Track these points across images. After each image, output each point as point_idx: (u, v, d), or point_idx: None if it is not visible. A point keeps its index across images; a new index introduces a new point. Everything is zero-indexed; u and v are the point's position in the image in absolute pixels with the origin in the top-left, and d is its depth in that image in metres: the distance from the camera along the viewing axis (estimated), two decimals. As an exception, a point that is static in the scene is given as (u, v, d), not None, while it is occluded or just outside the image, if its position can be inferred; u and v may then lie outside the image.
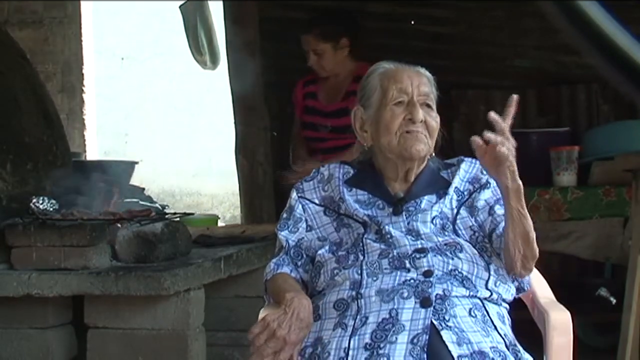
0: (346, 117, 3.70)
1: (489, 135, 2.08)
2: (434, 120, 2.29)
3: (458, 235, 2.26)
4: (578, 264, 5.10)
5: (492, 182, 2.29)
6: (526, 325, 2.36)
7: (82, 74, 6.51)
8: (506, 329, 2.17)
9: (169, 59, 9.31)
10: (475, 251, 2.22)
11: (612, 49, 0.80)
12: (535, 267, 2.49)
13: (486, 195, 2.29)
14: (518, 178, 2.12)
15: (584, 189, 4.57)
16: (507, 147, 2.09)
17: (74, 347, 3.74)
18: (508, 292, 2.25)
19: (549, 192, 4.53)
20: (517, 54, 5.56)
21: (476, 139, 2.09)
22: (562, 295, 2.43)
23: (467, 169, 2.35)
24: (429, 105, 2.30)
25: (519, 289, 2.32)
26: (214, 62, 6.05)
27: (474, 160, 2.34)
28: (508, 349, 2.08)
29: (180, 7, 5.98)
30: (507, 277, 2.25)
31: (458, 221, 2.27)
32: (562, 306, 2.30)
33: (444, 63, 5.47)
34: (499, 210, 2.25)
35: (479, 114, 5.60)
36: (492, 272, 2.21)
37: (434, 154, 2.35)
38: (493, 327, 2.12)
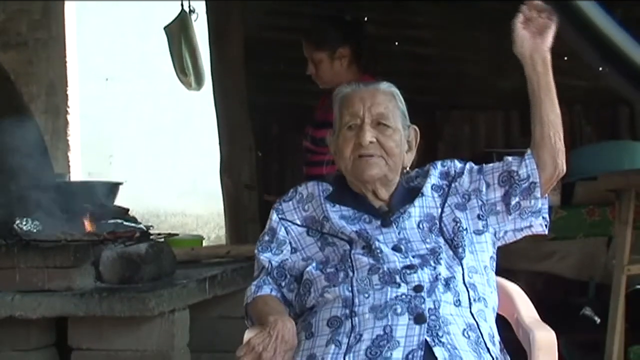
0: (323, 129, 3.69)
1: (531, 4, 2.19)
2: (391, 139, 2.30)
3: (443, 232, 2.28)
4: (562, 284, 5.11)
5: (458, 165, 2.37)
6: (511, 345, 2.37)
7: (66, 95, 6.49)
8: (497, 352, 2.18)
9: (153, 80, 9.30)
10: (451, 252, 2.24)
11: (609, 46, 0.81)
12: (519, 286, 2.50)
13: (465, 179, 2.34)
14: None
15: (568, 208, 4.59)
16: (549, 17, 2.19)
17: (58, 369, 3.72)
18: (482, 279, 2.26)
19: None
20: (501, 75, 5.59)
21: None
22: (547, 315, 2.43)
23: (435, 167, 2.39)
24: (385, 125, 2.31)
25: (542, 219, 2.32)
26: (199, 83, 6.05)
27: (435, 162, 2.40)
28: None
29: (164, 28, 5.99)
30: (478, 267, 2.26)
31: (444, 218, 2.30)
32: (547, 326, 2.30)
33: (428, 84, 5.51)
34: (486, 167, 2.34)
35: (463, 135, 5.63)
36: (464, 267, 2.23)
37: (407, 170, 2.38)
38: (486, 349, 2.13)
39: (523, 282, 2.67)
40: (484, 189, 2.31)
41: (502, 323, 2.40)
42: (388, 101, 2.33)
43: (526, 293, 2.47)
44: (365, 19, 5.68)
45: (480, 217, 2.30)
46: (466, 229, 2.29)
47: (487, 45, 5.58)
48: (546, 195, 2.32)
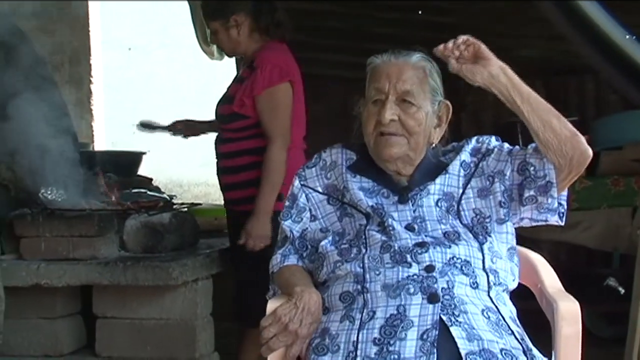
0: (226, 105, 3.61)
1: (448, 44, 2.18)
2: (412, 118, 2.26)
3: (460, 216, 2.25)
4: (586, 254, 5.09)
5: (492, 143, 2.32)
6: (534, 315, 2.36)
7: (90, 65, 6.50)
8: (522, 331, 2.15)
9: (176, 50, 9.31)
10: (471, 235, 2.22)
11: (608, 45, 0.80)
12: (543, 256, 2.49)
13: (492, 159, 2.29)
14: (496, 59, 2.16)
15: (592, 179, 4.56)
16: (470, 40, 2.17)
17: (83, 337, 3.75)
18: (506, 265, 2.24)
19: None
20: (524, 44, 5.54)
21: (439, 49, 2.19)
22: (570, 285, 2.42)
23: (469, 143, 2.35)
24: (409, 102, 2.26)
25: (560, 214, 2.27)
26: (221, 52, 6.03)
27: (471, 138, 2.36)
28: (525, 354, 2.05)
29: (187, -3, 5.97)
30: (501, 254, 2.24)
31: (463, 201, 2.26)
32: (570, 296, 2.29)
33: (452, 53, 5.46)
34: (515, 150, 2.28)
35: (486, 105, 5.59)
36: (485, 252, 2.20)
37: (435, 144, 2.34)
38: (509, 331, 2.10)
39: (546, 252, 2.66)
40: (508, 173, 2.26)
41: (525, 293, 2.39)
42: (416, 77, 2.27)
43: (550, 263, 2.45)
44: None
45: (502, 204, 2.25)
46: (489, 216, 2.25)
47: (510, 15, 5.53)
48: (564, 191, 2.27)
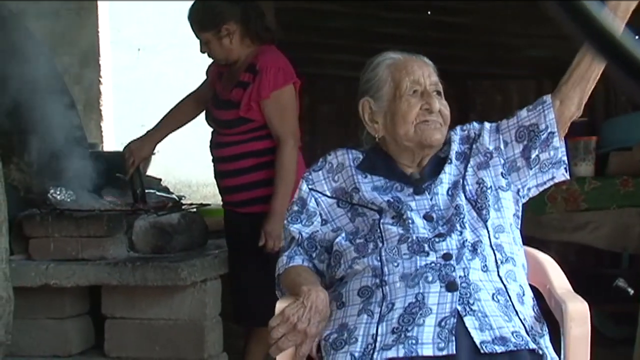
0: (229, 110, 3.59)
1: None
2: (446, 109, 2.32)
3: (465, 191, 2.28)
4: (595, 255, 5.08)
5: (476, 126, 2.38)
6: (543, 315, 2.36)
7: (99, 65, 6.52)
8: (525, 310, 2.17)
9: (185, 50, 9.30)
10: (475, 213, 2.24)
11: (613, 45, 0.79)
12: (552, 257, 2.49)
13: (486, 138, 2.34)
14: None
15: (602, 179, 4.55)
16: None
17: (92, 337, 3.76)
18: (509, 237, 2.26)
19: (566, 183, 4.51)
20: (533, 43, 5.53)
21: None
22: (579, 286, 2.42)
23: (455, 133, 2.39)
24: (439, 93, 2.33)
25: (563, 168, 2.31)
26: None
27: (454, 128, 2.39)
28: (528, 334, 2.09)
29: (196, -3, 5.97)
30: (504, 225, 2.26)
31: (467, 177, 2.30)
32: (579, 297, 2.28)
33: (460, 53, 5.46)
34: (502, 123, 2.34)
35: (495, 104, 5.59)
36: (489, 229, 2.22)
37: None
38: (515, 312, 2.13)
39: (555, 253, 2.66)
40: (503, 147, 2.32)
41: (534, 293, 2.39)
42: (436, 73, 2.35)
43: (558, 264, 2.45)
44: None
45: (503, 175, 2.31)
46: (490, 187, 2.29)
47: (519, 14, 5.53)
48: (563, 140, 2.30)
